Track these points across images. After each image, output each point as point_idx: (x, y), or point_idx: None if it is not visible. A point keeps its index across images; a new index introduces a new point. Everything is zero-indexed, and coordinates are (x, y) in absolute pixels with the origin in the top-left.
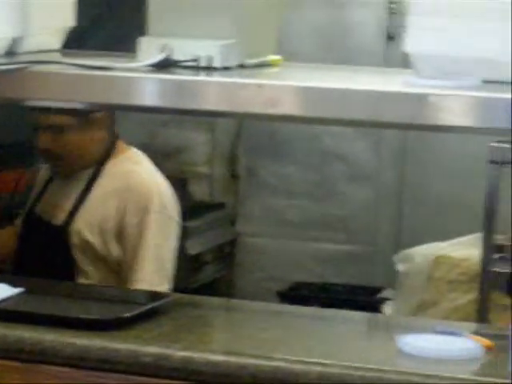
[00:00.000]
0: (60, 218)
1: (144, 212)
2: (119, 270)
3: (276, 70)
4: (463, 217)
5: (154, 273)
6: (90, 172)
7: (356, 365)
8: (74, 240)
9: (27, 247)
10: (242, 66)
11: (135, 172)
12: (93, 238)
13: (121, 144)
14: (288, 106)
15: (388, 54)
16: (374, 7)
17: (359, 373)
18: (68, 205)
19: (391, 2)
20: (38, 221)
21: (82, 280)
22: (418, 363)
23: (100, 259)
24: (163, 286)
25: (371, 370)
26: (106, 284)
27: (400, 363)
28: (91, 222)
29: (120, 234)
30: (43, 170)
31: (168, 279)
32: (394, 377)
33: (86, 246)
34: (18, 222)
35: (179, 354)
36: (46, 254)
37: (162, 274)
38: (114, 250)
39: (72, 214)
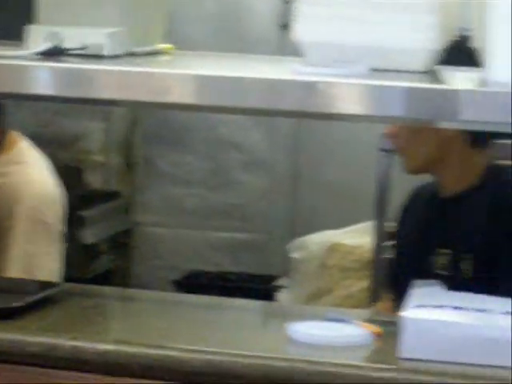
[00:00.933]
0: None
1: (11, 217)
2: None
3: (167, 58)
4: (357, 204)
5: None
6: None
7: (244, 352)
8: None
9: None
10: (132, 54)
11: (13, 173)
12: None
13: (11, 137)
14: (179, 94)
15: (282, 42)
16: None
17: (246, 360)
18: None
19: None
20: None
21: None
22: (306, 350)
23: None
24: None
25: (258, 357)
26: None
27: (289, 350)
28: None
29: None
30: None
31: None
32: (281, 364)
33: None
34: None
35: (68, 343)
36: None
37: None
38: None
39: None
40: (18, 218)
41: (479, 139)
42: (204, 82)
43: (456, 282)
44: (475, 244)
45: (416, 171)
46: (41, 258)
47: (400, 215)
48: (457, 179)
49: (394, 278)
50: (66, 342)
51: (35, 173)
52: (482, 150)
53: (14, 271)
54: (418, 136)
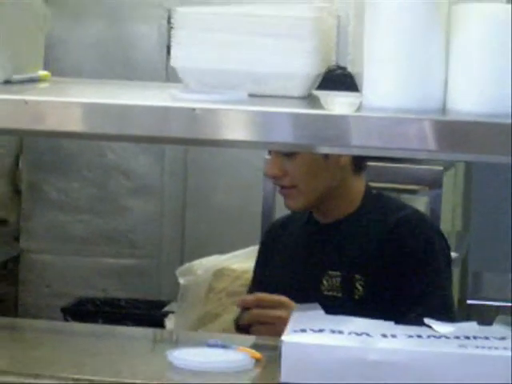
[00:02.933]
0: None
1: None
2: None
3: (44, 86)
4: (244, 228)
5: None
6: None
7: (123, 380)
8: None
9: None
10: (8, 82)
11: None
12: None
13: None
14: (55, 122)
15: (170, 68)
16: (154, 22)
17: None
18: None
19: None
20: None
21: None
22: (186, 376)
23: None
24: None
25: None
26: None
27: (168, 377)
28: None
29: None
30: None
31: None
32: None
33: None
34: None
35: None
36: None
37: None
38: None
39: None
40: None
41: (359, 164)
42: (78, 109)
43: (349, 303)
44: (363, 265)
45: (307, 207)
46: None
47: (262, 249)
48: (340, 206)
49: None
50: None
51: None
52: (360, 174)
53: None
54: (309, 171)
